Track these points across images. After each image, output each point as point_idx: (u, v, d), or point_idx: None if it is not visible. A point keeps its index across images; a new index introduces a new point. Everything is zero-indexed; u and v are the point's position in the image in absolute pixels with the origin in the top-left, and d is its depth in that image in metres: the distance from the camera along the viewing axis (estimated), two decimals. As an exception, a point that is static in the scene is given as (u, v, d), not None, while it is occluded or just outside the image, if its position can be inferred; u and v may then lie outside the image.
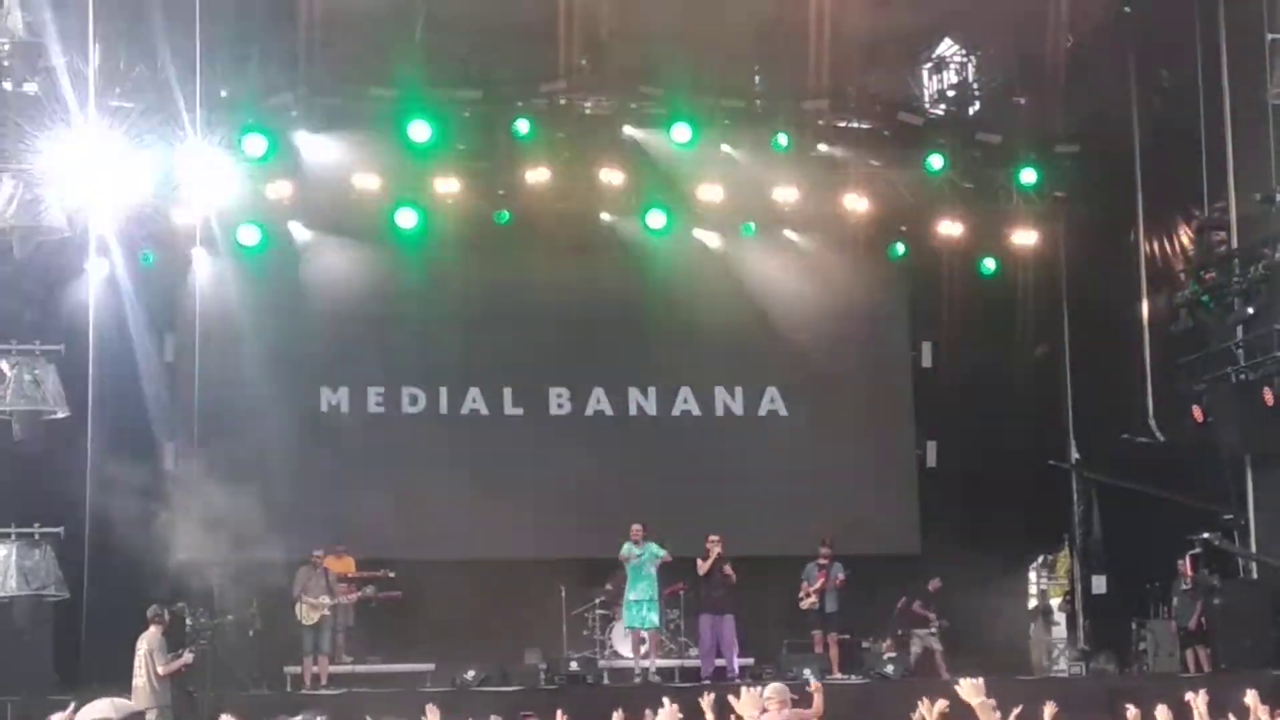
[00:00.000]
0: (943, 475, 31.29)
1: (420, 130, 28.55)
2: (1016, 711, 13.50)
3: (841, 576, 27.55)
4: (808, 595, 27.52)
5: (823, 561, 27.77)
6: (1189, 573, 27.64)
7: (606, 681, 25.83)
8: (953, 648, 27.73)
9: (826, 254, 31.84)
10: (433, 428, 30.69)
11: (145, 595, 23.63)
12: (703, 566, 26.59)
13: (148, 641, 22.11)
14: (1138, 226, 29.85)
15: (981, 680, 9.19)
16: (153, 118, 28.15)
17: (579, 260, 30.90)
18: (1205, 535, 27.25)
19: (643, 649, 26.25)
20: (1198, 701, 13.38)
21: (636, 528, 26.67)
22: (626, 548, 26.42)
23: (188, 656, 22.39)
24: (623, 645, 27.39)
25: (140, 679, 21.86)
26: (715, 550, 26.60)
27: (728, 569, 26.46)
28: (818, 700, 15.81)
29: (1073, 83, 31.01)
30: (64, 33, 26.23)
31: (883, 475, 31.70)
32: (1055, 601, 32.80)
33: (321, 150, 29.41)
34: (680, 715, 9.59)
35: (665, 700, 9.25)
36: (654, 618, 26.40)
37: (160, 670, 21.85)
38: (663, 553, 26.50)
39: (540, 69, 29.54)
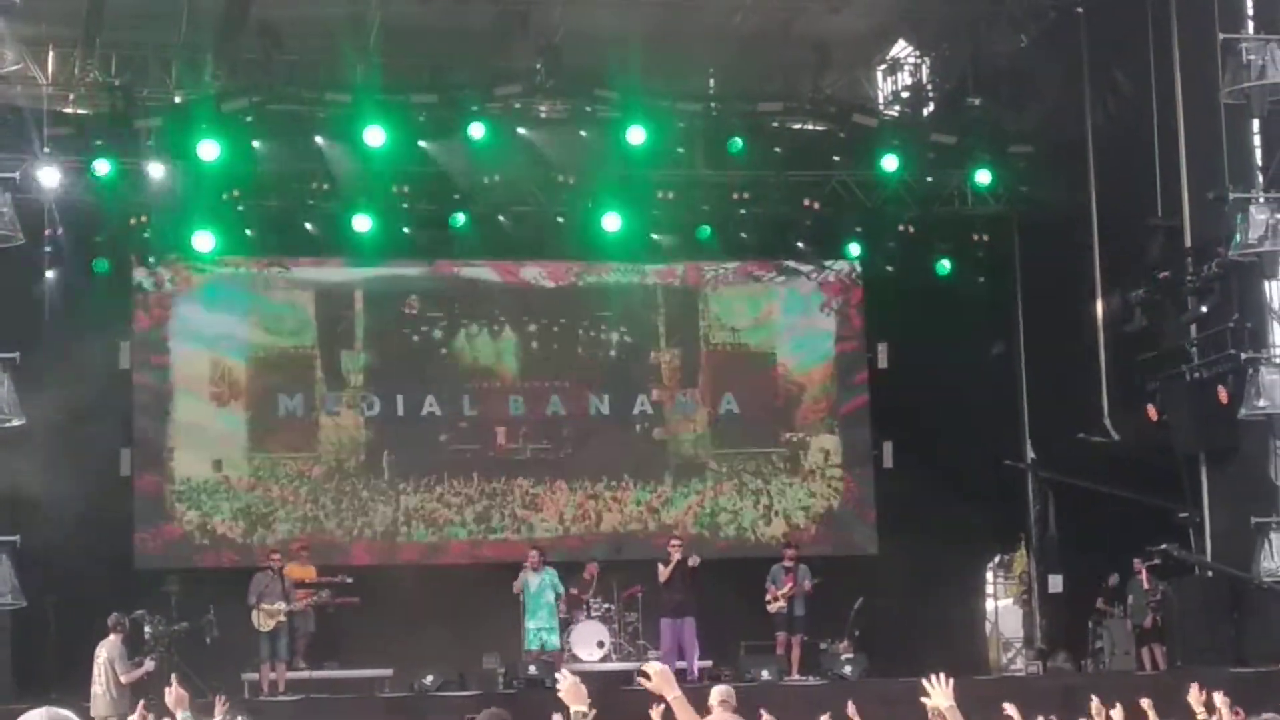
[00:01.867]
0: (899, 475, 31.33)
1: (375, 135, 28.52)
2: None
3: (810, 583, 27.51)
4: (775, 599, 27.51)
5: (788, 564, 27.77)
6: (1145, 581, 27.73)
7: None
8: (910, 648, 27.78)
9: (781, 256, 31.91)
10: (393, 430, 30.67)
11: (103, 603, 23.54)
12: (664, 572, 26.57)
13: (107, 650, 22.03)
14: (1092, 226, 29.93)
15: (951, 683, 9.13)
16: (107, 123, 28.14)
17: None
18: (1164, 546, 27.34)
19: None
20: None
21: (533, 554, 26.75)
22: (522, 579, 26.47)
23: (149, 665, 22.32)
24: (581, 649, 27.38)
25: (99, 687, 21.79)
26: (676, 555, 26.62)
27: (693, 564, 26.46)
28: None
29: (1026, 84, 31.19)
30: (19, 41, 26.26)
31: (840, 475, 31.80)
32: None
33: (277, 156, 29.38)
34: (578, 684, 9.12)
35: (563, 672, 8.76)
36: (555, 640, 26.47)
37: (123, 679, 21.77)
38: (561, 588, 26.62)
39: (495, 73, 29.57)
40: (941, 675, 10.04)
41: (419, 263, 31.03)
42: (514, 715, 9.16)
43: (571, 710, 8.44)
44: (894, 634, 27.96)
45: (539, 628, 26.28)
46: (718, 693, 14.53)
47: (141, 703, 14.41)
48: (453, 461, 30.77)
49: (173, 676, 13.69)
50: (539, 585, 26.36)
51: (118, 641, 22.15)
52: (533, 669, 25.56)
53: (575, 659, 27.01)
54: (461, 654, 27.00)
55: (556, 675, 9.24)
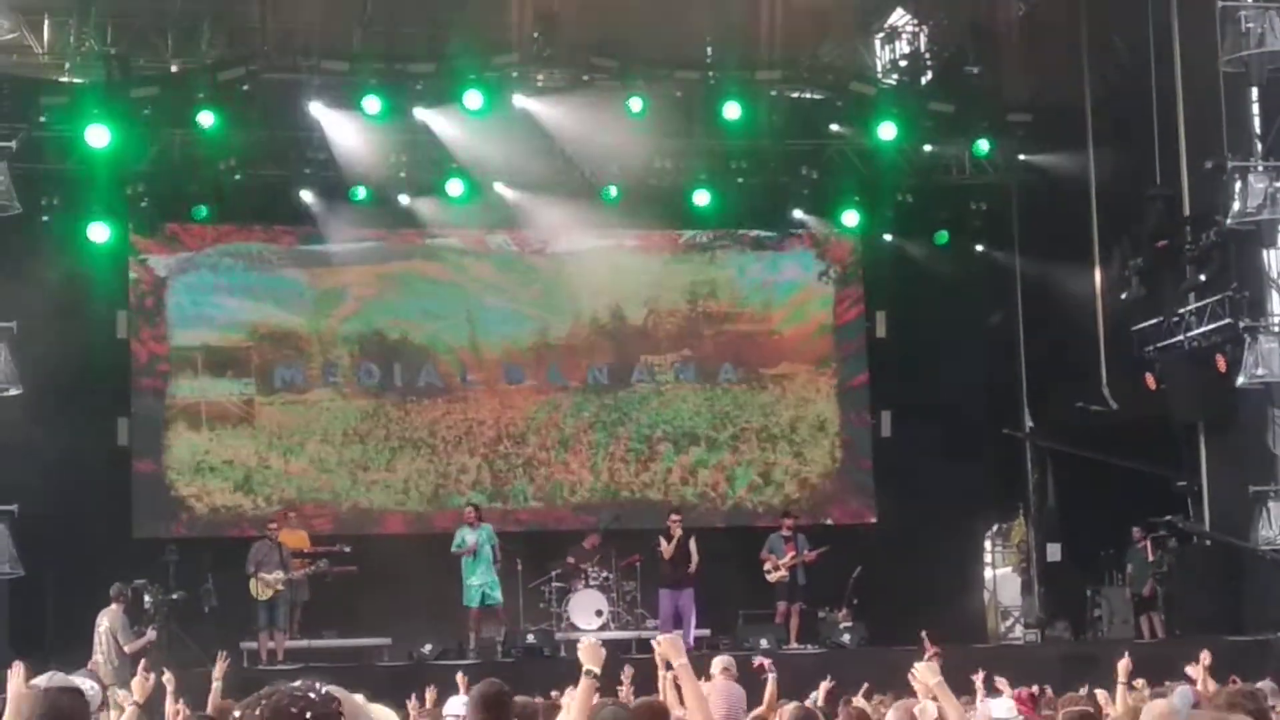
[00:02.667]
0: (897, 445, 31.34)
1: (372, 104, 28.44)
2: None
3: (816, 552, 27.53)
4: (777, 568, 27.51)
5: (786, 534, 27.80)
6: (1149, 551, 27.72)
7: (564, 654, 25.80)
8: (909, 616, 27.79)
9: (779, 225, 31.88)
10: (390, 400, 30.66)
11: (101, 572, 23.54)
12: (667, 549, 26.60)
13: (109, 619, 22.01)
14: (1090, 195, 29.89)
15: (937, 662, 9.16)
16: (104, 93, 28.07)
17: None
18: (1168, 517, 27.34)
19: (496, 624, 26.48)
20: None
21: (470, 511, 26.85)
22: (462, 536, 26.52)
23: (152, 634, 22.34)
24: (580, 618, 27.40)
25: (100, 655, 21.77)
26: (678, 530, 26.64)
27: (693, 551, 26.49)
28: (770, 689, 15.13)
29: (1025, 52, 31.09)
30: (14, 10, 26.19)
31: (838, 444, 31.82)
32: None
33: (273, 125, 29.32)
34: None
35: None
36: (497, 594, 26.58)
37: (127, 649, 21.75)
38: (495, 539, 26.75)
39: (493, 42, 29.49)
40: (925, 640, 10.09)
41: (415, 231, 30.95)
42: (512, 684, 9.15)
43: (585, 668, 8.69)
44: (892, 603, 27.92)
45: (481, 584, 26.36)
46: (719, 661, 14.54)
47: (143, 662, 14.40)
48: (451, 431, 30.75)
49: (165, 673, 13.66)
50: (478, 541, 26.42)
51: (119, 611, 22.13)
52: (531, 638, 25.59)
53: (574, 627, 27.04)
54: (460, 623, 26.98)
55: (579, 640, 9.43)
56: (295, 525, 27.90)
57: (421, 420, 30.71)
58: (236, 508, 29.85)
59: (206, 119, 28.14)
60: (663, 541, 26.72)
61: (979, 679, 14.60)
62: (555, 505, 30.90)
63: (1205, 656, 15.10)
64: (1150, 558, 27.57)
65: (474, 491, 30.22)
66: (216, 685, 15.01)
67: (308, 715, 4.47)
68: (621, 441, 31.33)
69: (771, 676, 14.61)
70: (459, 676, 15.49)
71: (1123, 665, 14.00)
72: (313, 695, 4.52)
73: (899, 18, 33.25)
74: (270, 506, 29.35)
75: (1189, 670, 14.95)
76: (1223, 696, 9.21)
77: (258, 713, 4.49)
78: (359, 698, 5.11)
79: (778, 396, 31.86)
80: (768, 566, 27.61)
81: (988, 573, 34.12)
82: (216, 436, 29.99)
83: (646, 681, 15.83)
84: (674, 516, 27.21)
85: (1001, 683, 14.44)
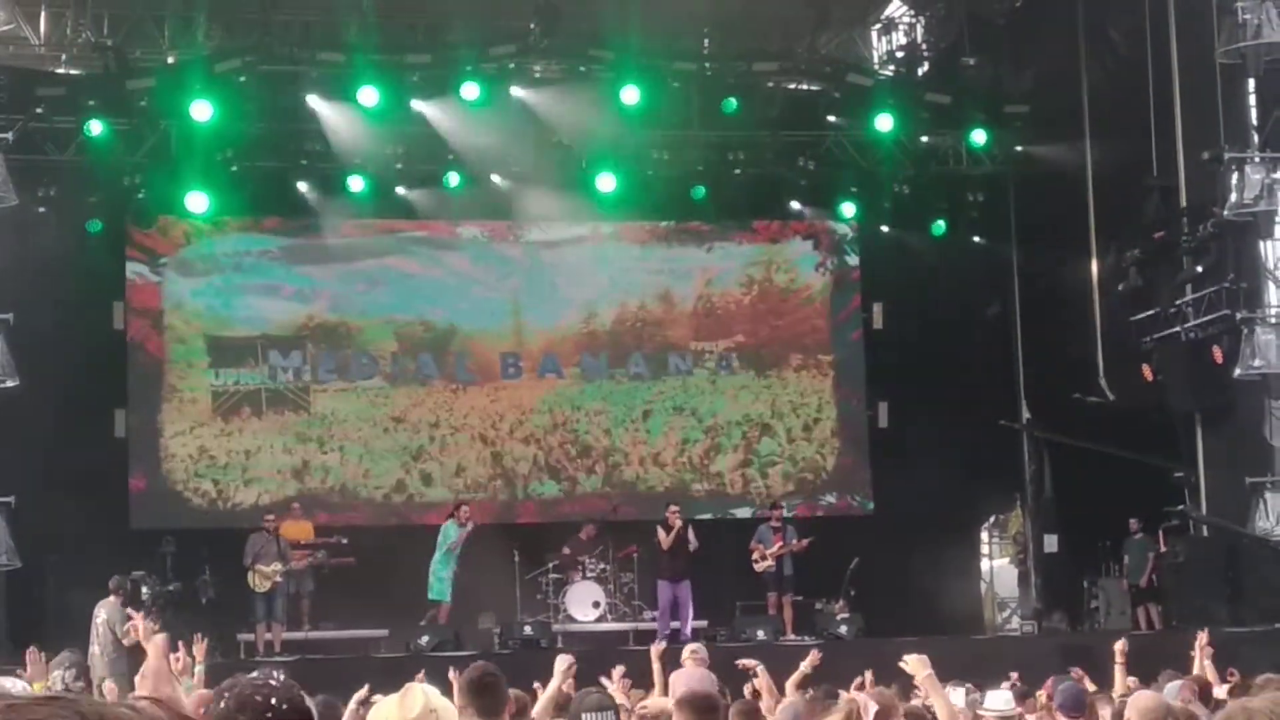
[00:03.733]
0: (895, 436, 31.36)
1: (369, 95, 28.42)
2: None
3: (805, 541, 27.56)
4: (764, 558, 27.55)
5: (775, 524, 27.83)
6: (1161, 541, 27.75)
7: (560, 645, 25.83)
8: (906, 607, 27.83)
9: (776, 216, 31.89)
10: (384, 393, 30.66)
11: (98, 564, 23.55)
12: (665, 540, 26.55)
13: (106, 611, 21.99)
14: (1087, 186, 29.90)
15: (926, 655, 9.24)
16: (100, 84, 28.06)
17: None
18: (1181, 508, 27.30)
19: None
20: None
21: (466, 509, 26.86)
22: (455, 530, 26.59)
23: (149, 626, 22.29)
24: (577, 609, 27.43)
25: (96, 647, 21.77)
26: (677, 522, 26.63)
27: (692, 539, 26.47)
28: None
29: (1021, 43, 31.10)
30: (11, 2, 26.17)
31: (835, 435, 31.85)
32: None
33: (270, 116, 29.31)
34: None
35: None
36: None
37: (125, 641, 21.74)
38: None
39: (490, 33, 29.48)
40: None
41: (413, 223, 30.95)
42: (509, 675, 9.15)
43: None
44: (889, 594, 27.96)
45: (450, 576, 26.43)
46: (688, 649, 14.74)
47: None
48: (449, 423, 30.77)
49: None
50: (458, 537, 26.48)
51: (117, 603, 22.11)
52: (528, 629, 25.60)
53: (571, 619, 27.07)
54: (457, 614, 26.99)
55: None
56: (300, 517, 27.90)
57: (421, 411, 30.71)
58: (234, 499, 29.84)
59: (203, 110, 28.12)
60: (660, 532, 26.71)
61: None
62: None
63: (1203, 637, 15.09)
64: (1163, 548, 27.58)
65: (468, 482, 30.34)
66: (199, 668, 14.98)
67: (273, 701, 4.54)
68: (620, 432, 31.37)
69: (761, 669, 14.60)
70: (451, 673, 15.39)
71: (1119, 646, 14.06)
72: (273, 682, 4.61)
73: (896, 9, 33.26)
74: (268, 497, 29.35)
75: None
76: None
77: (223, 705, 4.56)
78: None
79: (774, 386, 31.87)
80: (755, 556, 27.66)
81: (985, 564, 34.14)
82: (214, 427, 29.98)
83: (643, 677, 15.91)
84: (672, 508, 27.18)
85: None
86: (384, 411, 30.66)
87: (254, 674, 4.71)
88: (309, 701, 4.67)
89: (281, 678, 4.72)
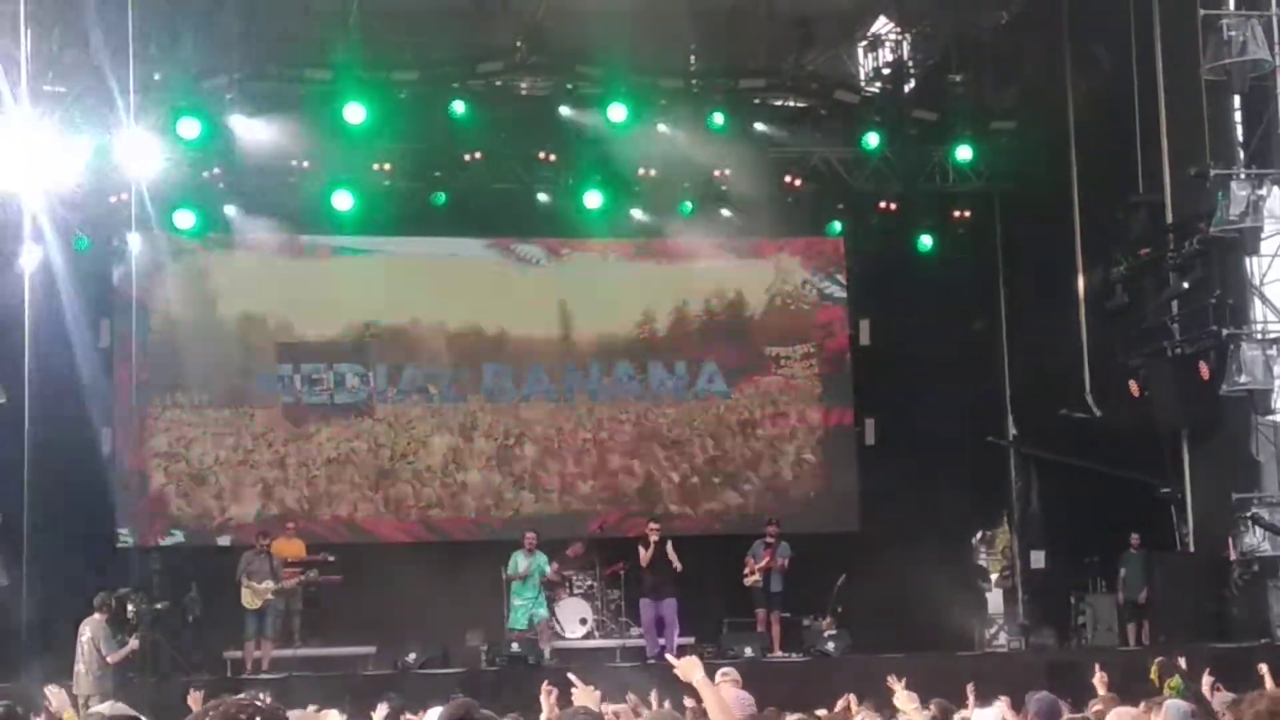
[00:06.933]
0: (882, 452, 31.36)
1: (356, 112, 28.43)
2: None
3: (785, 560, 27.58)
4: (752, 572, 27.55)
5: (769, 540, 27.82)
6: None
7: (548, 663, 25.81)
8: (895, 623, 27.84)
9: (763, 233, 31.90)
10: (375, 408, 30.63)
11: (85, 582, 23.50)
12: (645, 556, 26.49)
13: (91, 629, 21.93)
14: (1073, 202, 29.94)
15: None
16: (86, 102, 28.00)
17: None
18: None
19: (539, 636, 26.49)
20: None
21: (531, 536, 26.84)
22: (516, 562, 26.53)
23: (134, 644, 22.25)
24: (566, 625, 27.42)
25: (81, 665, 21.72)
26: (654, 538, 26.59)
27: (672, 558, 26.40)
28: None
29: (1008, 60, 31.15)
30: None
31: (822, 452, 31.85)
32: None
33: (256, 133, 29.30)
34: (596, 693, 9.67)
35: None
36: (543, 611, 26.73)
37: (110, 659, 21.70)
38: (549, 568, 26.92)
39: (476, 50, 29.50)
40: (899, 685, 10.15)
41: (400, 240, 30.92)
42: (498, 692, 9.17)
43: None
44: (876, 610, 27.96)
45: (524, 603, 26.36)
46: (721, 673, 14.55)
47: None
48: (435, 439, 30.73)
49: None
50: (529, 567, 26.41)
51: (102, 621, 22.05)
52: (516, 646, 25.57)
53: (558, 635, 27.06)
54: (445, 631, 26.98)
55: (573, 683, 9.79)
56: (292, 535, 27.85)
57: (408, 426, 30.68)
58: (220, 517, 29.77)
59: (189, 127, 28.11)
60: (641, 549, 26.69)
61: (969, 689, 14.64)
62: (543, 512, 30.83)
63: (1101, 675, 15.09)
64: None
65: (456, 499, 30.32)
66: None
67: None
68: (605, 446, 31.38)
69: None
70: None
71: (1098, 679, 14.07)
72: (259, 704, 4.62)
73: (882, 26, 33.28)
74: (257, 514, 29.31)
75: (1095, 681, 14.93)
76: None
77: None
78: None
79: (760, 402, 31.86)
80: (746, 570, 27.67)
81: (972, 580, 34.10)
82: (200, 445, 29.91)
83: (620, 689, 15.86)
84: (652, 525, 27.12)
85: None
86: (378, 424, 30.63)
87: (240, 695, 4.72)
88: None
89: (267, 700, 4.72)
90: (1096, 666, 14.51)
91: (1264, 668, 15.96)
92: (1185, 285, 27.16)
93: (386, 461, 30.49)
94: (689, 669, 8.96)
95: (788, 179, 31.13)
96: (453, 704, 8.49)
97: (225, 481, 29.93)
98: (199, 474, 29.88)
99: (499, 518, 30.56)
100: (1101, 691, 14.16)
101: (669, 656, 9.63)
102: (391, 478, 30.44)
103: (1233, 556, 26.37)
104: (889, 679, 12.32)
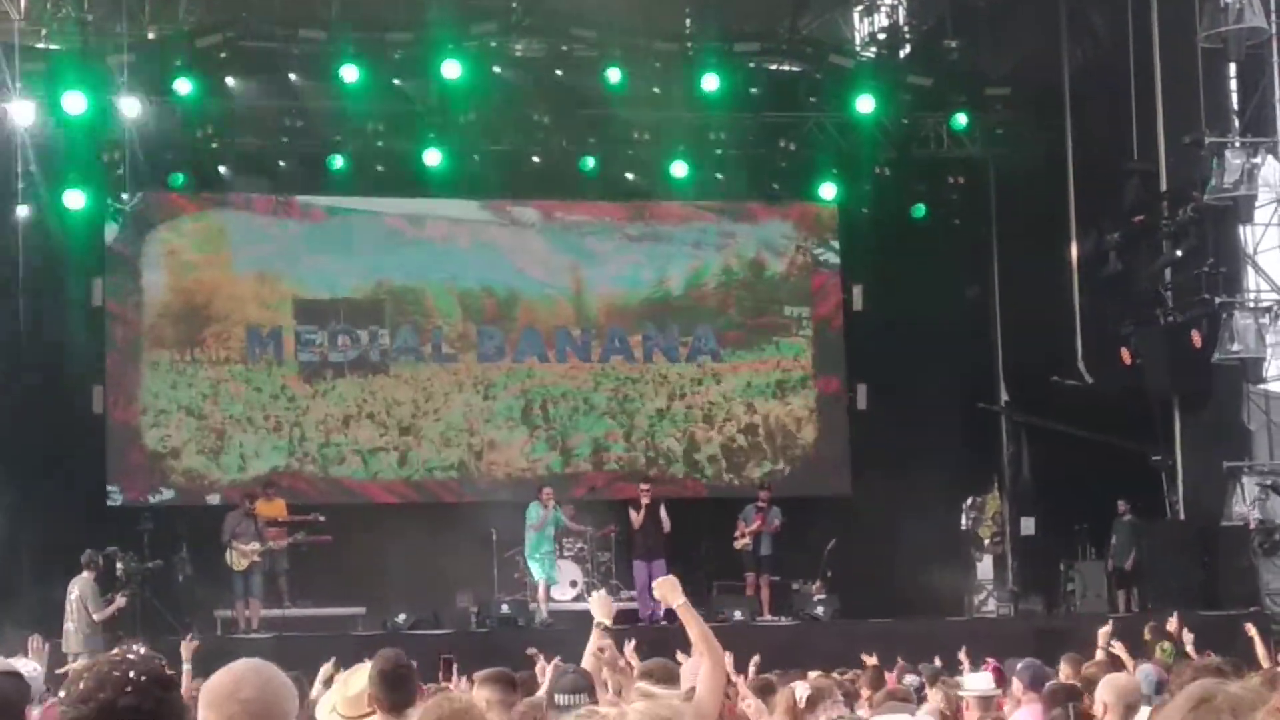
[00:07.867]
0: (874, 418, 31.36)
1: (350, 73, 28.38)
2: None
3: (778, 522, 27.65)
4: (743, 535, 27.61)
5: (761, 504, 27.86)
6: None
7: (537, 624, 25.85)
8: (885, 588, 27.90)
9: (757, 197, 31.88)
10: (365, 370, 30.61)
11: (76, 541, 23.49)
12: (636, 519, 26.60)
13: (79, 587, 21.96)
14: (1068, 170, 29.91)
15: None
16: (81, 60, 27.94)
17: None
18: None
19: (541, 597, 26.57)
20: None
21: (548, 491, 26.90)
22: (537, 512, 26.57)
23: (120, 601, 22.28)
24: (555, 588, 27.47)
25: (70, 623, 21.75)
26: (646, 500, 26.65)
27: (664, 518, 26.47)
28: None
29: (1003, 26, 31.07)
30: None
31: (814, 417, 31.87)
32: None
33: (251, 93, 29.26)
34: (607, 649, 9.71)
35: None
36: (554, 574, 26.92)
37: (95, 616, 21.73)
38: (565, 521, 27.09)
39: (471, 11, 29.42)
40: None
41: (394, 201, 30.87)
42: (487, 653, 9.19)
43: (595, 619, 9.61)
44: (866, 575, 28.03)
45: (544, 555, 26.63)
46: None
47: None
48: (429, 400, 30.72)
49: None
50: (547, 520, 26.51)
51: (90, 579, 22.08)
52: (505, 608, 25.63)
53: (550, 597, 27.11)
54: (435, 593, 27.01)
55: (592, 594, 10.37)
56: (273, 496, 27.79)
57: (399, 388, 30.65)
58: (212, 477, 29.76)
59: (183, 86, 28.09)
60: (632, 511, 26.75)
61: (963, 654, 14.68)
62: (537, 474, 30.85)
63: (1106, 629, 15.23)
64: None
65: (447, 460, 30.34)
66: (187, 668, 14.97)
67: (130, 674, 4.55)
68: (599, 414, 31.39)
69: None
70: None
71: (1104, 632, 14.09)
72: (131, 656, 4.64)
73: (878, -9, 33.26)
74: (246, 475, 29.30)
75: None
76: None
77: (82, 685, 4.56)
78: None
79: (754, 368, 31.86)
80: (737, 534, 27.73)
81: (962, 546, 34.13)
82: (191, 404, 29.88)
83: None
84: (643, 486, 27.24)
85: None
86: (368, 387, 30.62)
87: (113, 651, 4.74)
88: (170, 670, 4.68)
89: (141, 650, 4.74)
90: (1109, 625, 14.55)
91: (1251, 627, 15.98)
92: (1178, 253, 27.18)
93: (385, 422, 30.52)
94: (669, 593, 9.00)
95: (782, 144, 31.08)
96: (382, 656, 8.26)
97: (216, 440, 29.91)
98: (190, 433, 29.84)
99: (508, 476, 30.56)
100: (1099, 656, 14.17)
101: (658, 583, 9.86)
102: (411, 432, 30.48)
103: (1252, 526, 26.43)
104: None
